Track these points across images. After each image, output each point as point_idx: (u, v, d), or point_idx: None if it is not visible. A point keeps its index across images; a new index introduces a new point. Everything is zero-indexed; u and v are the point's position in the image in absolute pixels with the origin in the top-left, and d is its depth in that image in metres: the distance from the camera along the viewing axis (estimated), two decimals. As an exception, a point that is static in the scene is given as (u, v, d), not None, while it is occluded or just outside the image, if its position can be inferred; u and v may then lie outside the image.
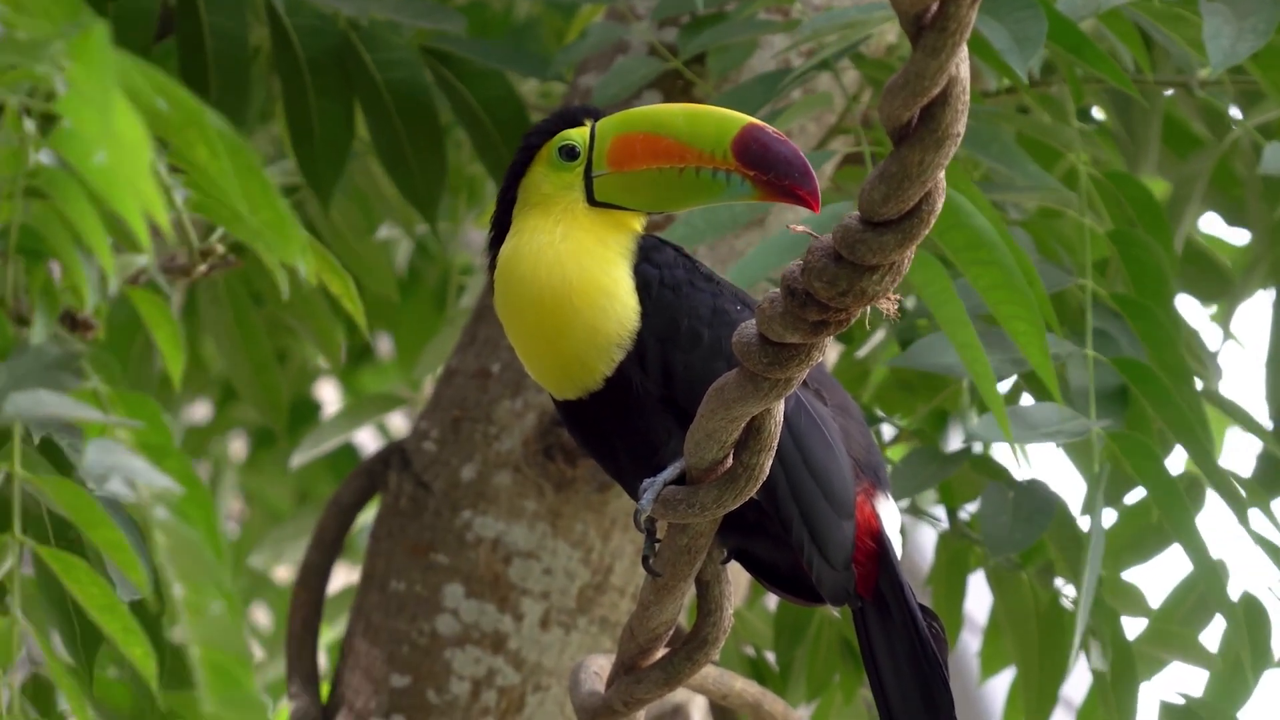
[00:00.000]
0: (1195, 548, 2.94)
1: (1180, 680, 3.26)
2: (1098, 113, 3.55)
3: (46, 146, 1.65)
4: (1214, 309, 3.84)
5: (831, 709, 3.44)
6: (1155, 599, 3.30)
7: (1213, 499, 3.25)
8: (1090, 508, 2.93)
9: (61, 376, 1.67)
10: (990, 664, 3.46)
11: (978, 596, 3.40)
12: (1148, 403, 3.02)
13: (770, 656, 3.51)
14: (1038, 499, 3.06)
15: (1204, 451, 3.00)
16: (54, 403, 1.65)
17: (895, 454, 3.38)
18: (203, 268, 2.73)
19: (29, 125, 1.68)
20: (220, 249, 2.73)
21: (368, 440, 5.32)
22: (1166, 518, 2.94)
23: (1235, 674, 3.24)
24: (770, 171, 2.17)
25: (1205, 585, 3.00)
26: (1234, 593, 3.22)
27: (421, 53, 3.40)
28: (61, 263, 1.73)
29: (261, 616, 5.18)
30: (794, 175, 2.16)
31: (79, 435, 1.93)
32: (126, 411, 1.67)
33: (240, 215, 1.73)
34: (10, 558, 1.87)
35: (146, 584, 1.81)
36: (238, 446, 5.07)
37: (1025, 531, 3.02)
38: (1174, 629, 3.26)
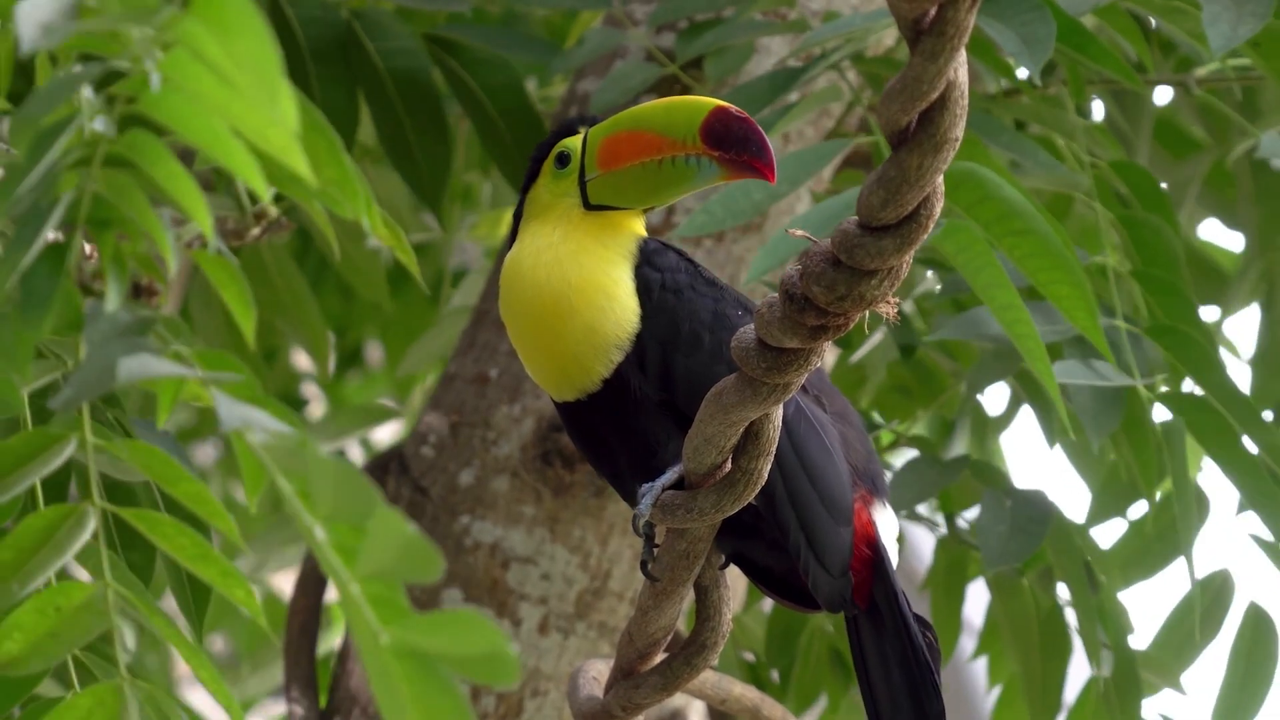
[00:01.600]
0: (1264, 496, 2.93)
1: (1172, 701, 3.26)
2: (1096, 114, 3.55)
3: (133, 109, 1.66)
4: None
5: (838, 714, 3.43)
6: (1145, 612, 3.30)
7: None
8: (1177, 471, 2.90)
9: (141, 342, 1.68)
10: (996, 672, 3.45)
11: (976, 601, 3.39)
12: (1188, 371, 2.99)
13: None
14: (1035, 508, 3.05)
15: (1255, 419, 2.97)
16: (162, 366, 1.66)
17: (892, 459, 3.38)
18: (256, 231, 2.71)
19: (89, 95, 1.69)
20: (274, 212, 2.71)
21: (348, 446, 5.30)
22: (1230, 473, 2.92)
23: (1239, 695, 3.23)
24: (731, 149, 2.20)
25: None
26: (1239, 604, 3.22)
27: (425, 41, 3.39)
28: (143, 228, 1.73)
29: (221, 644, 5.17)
30: (751, 149, 2.19)
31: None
32: (213, 369, 1.68)
33: (297, 174, 1.75)
34: (94, 521, 1.87)
35: (236, 532, 1.82)
36: (208, 451, 5.05)
37: (1022, 543, 3.00)
38: (1163, 656, 3.24)
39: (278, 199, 2.75)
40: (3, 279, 1.68)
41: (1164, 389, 3.01)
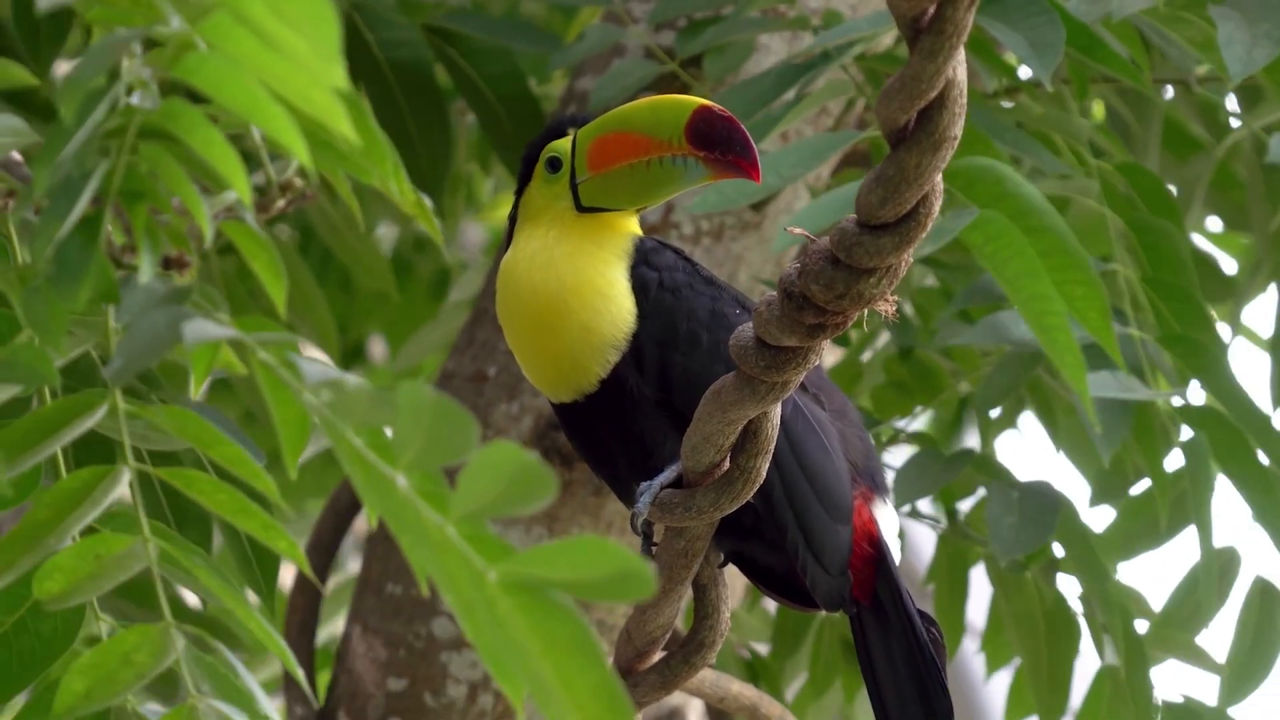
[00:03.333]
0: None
1: (1185, 681, 3.25)
2: (1095, 115, 3.54)
3: (172, 76, 1.66)
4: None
5: (809, 706, 3.42)
6: (1156, 600, 3.29)
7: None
8: (1198, 476, 2.90)
9: (183, 310, 1.69)
10: (994, 660, 3.44)
11: (976, 601, 3.39)
12: (1200, 380, 2.98)
13: (765, 656, 3.51)
14: (1043, 499, 3.03)
15: (1268, 430, 2.95)
16: (222, 330, 1.66)
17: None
18: (281, 203, 2.71)
19: (129, 66, 1.69)
20: (299, 183, 2.71)
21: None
22: (1243, 489, 2.92)
23: (1246, 664, 3.23)
24: (716, 149, 2.20)
25: None
26: (1246, 579, 3.21)
27: (424, 31, 3.40)
28: (180, 198, 1.74)
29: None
30: (735, 149, 2.19)
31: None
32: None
33: (331, 141, 1.74)
34: (127, 479, 1.88)
35: (275, 491, 1.82)
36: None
37: (1033, 533, 2.98)
38: (1173, 632, 3.24)
39: (301, 173, 2.75)
40: (39, 251, 1.68)
41: (1178, 401, 3.00)
